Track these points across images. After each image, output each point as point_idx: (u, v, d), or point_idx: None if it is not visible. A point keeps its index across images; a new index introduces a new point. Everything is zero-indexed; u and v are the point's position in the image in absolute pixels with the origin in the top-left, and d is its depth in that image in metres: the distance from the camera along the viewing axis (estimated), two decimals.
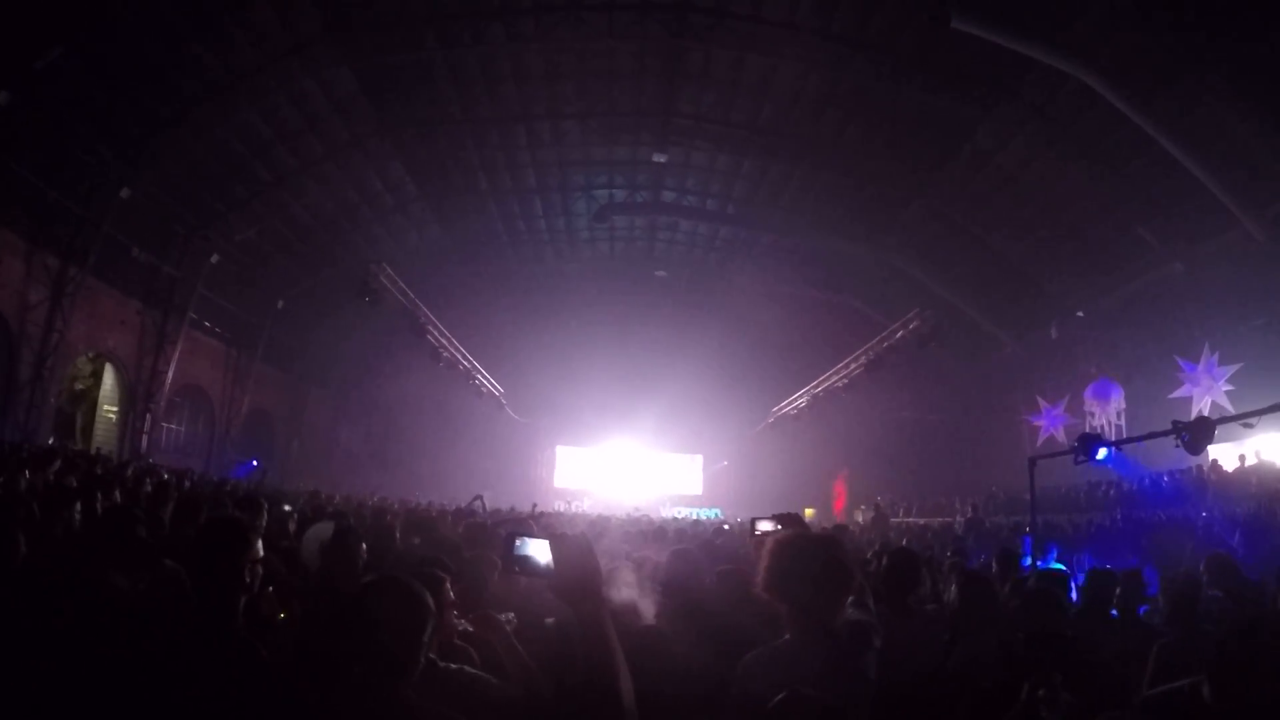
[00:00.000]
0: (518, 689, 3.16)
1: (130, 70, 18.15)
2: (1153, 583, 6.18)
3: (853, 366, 30.53)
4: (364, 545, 5.21)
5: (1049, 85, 18.90)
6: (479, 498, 14.02)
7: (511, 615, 3.74)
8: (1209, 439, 8.98)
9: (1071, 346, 26.70)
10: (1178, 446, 9.26)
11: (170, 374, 24.88)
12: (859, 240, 28.01)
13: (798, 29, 19.55)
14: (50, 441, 18.95)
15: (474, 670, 3.17)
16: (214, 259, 25.26)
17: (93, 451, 19.56)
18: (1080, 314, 25.74)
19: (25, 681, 2.69)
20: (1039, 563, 9.76)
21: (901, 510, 28.77)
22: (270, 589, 3.68)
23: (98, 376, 23.89)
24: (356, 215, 28.38)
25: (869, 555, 7.34)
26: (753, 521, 4.13)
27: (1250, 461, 19.46)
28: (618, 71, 22.52)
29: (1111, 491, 21.36)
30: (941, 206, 25.49)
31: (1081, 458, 10.94)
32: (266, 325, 30.14)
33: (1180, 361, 21.97)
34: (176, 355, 25.04)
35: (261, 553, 3.35)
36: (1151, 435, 10.38)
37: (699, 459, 42.91)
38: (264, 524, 6.69)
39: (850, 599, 3.26)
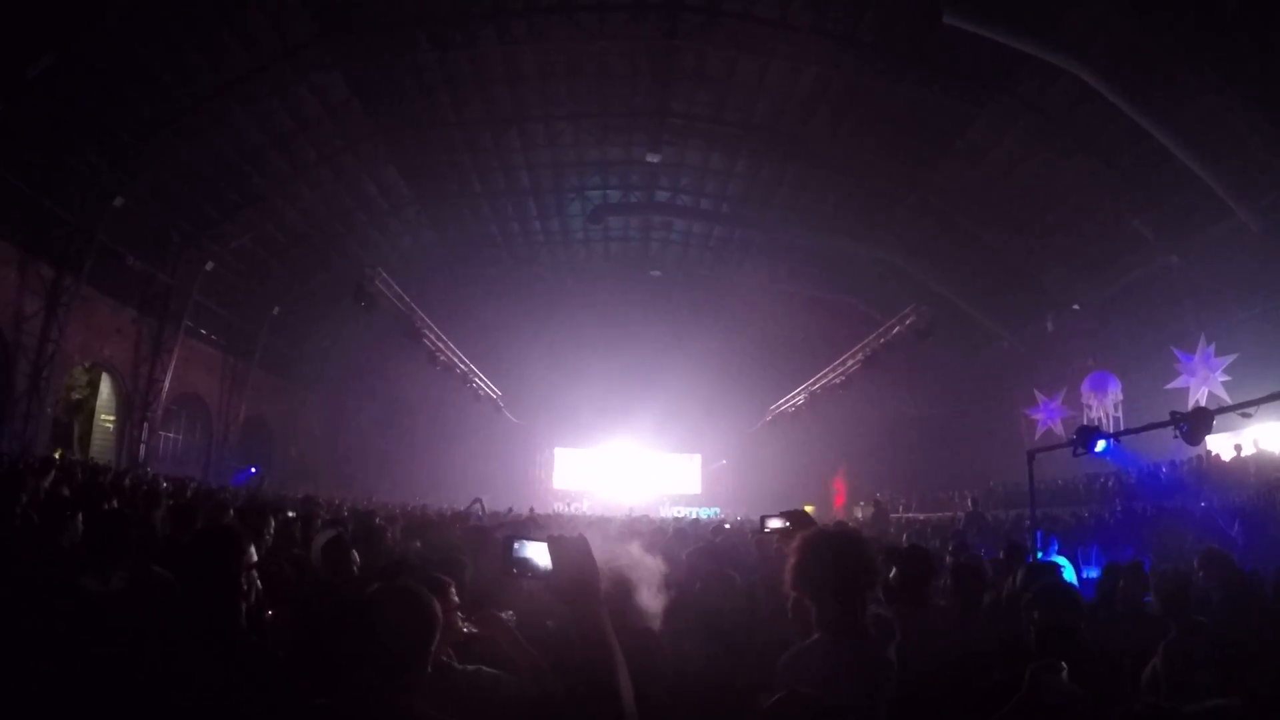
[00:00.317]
0: (535, 686, 3.16)
1: (122, 78, 18.15)
2: None
3: (850, 363, 30.54)
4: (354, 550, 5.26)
5: (1042, 80, 18.91)
6: (478, 501, 14.03)
7: (510, 613, 3.73)
8: (1207, 429, 8.96)
9: (1068, 339, 26.69)
10: (1176, 438, 9.25)
11: (167, 382, 24.83)
12: (854, 237, 28.03)
13: (790, 26, 19.55)
14: (58, 453, 18.96)
15: (492, 670, 3.17)
16: (209, 266, 25.25)
17: (88, 460, 19.55)
18: (1076, 307, 25.77)
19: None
20: (1040, 555, 9.75)
21: (901, 506, 28.80)
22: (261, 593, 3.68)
23: (94, 386, 23.86)
24: (351, 220, 28.37)
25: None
26: (761, 519, 4.15)
27: (1248, 451, 19.49)
28: (610, 72, 22.50)
29: (1110, 483, 21.38)
30: (936, 202, 25.52)
31: (1080, 450, 10.92)
32: (263, 332, 30.12)
33: (1177, 353, 22.00)
34: (173, 363, 24.99)
35: (255, 558, 3.33)
36: (1150, 427, 10.34)
37: (697, 458, 42.95)
38: (271, 532, 6.70)
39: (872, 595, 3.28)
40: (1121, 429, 19.85)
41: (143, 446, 23.97)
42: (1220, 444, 19.59)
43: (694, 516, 28.19)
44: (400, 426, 37.13)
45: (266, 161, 23.48)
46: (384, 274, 26.02)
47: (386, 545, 7.47)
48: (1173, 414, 9.16)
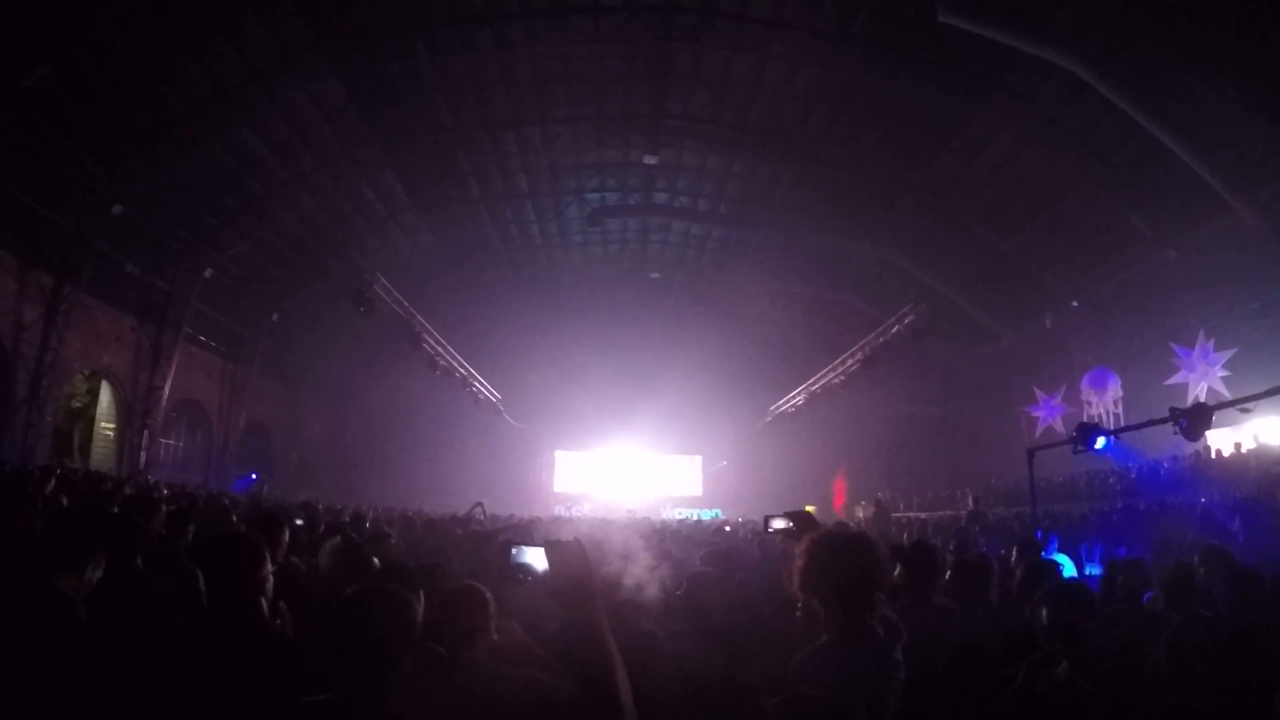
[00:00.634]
0: (570, 687, 3.19)
1: (118, 87, 18.20)
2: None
3: (849, 363, 30.55)
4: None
5: (1037, 76, 18.96)
6: (479, 505, 13.98)
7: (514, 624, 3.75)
8: (1207, 425, 9.01)
9: (1067, 336, 26.72)
10: (1175, 434, 9.28)
11: (167, 389, 24.82)
12: (852, 236, 28.07)
13: (785, 26, 19.59)
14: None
15: (533, 672, 3.18)
16: (207, 273, 25.26)
17: (88, 469, 19.54)
18: (1075, 303, 25.79)
19: None
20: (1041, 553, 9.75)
21: (902, 504, 28.78)
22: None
23: (94, 394, 23.86)
24: (349, 225, 28.39)
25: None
26: (765, 519, 4.16)
27: (1249, 446, 19.49)
28: (606, 74, 22.55)
29: (1111, 480, 21.38)
30: (933, 200, 25.55)
31: (1080, 447, 10.95)
32: (262, 338, 30.16)
33: (1176, 348, 22.01)
34: (173, 370, 24.98)
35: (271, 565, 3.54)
36: (1149, 423, 10.37)
37: (698, 459, 42.93)
38: (286, 540, 6.74)
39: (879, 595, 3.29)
40: (1122, 425, 19.84)
41: (143, 454, 23.94)
42: (1221, 439, 19.61)
43: (695, 518, 28.20)
44: (400, 431, 37.12)
45: (264, 168, 23.52)
46: (383, 279, 26.02)
47: (391, 550, 7.47)
48: (1172, 410, 9.20)
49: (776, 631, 3.41)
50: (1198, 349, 21.41)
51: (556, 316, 35.74)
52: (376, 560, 5.57)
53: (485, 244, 32.48)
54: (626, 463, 40.94)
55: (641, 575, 4.28)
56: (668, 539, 9.95)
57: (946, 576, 5.18)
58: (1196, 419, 9.08)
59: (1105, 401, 24.52)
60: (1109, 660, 3.43)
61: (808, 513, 4.00)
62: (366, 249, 29.43)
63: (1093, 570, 9.48)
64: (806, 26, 19.54)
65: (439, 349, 29.90)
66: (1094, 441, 10.87)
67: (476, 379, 33.42)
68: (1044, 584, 4.41)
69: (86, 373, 22.87)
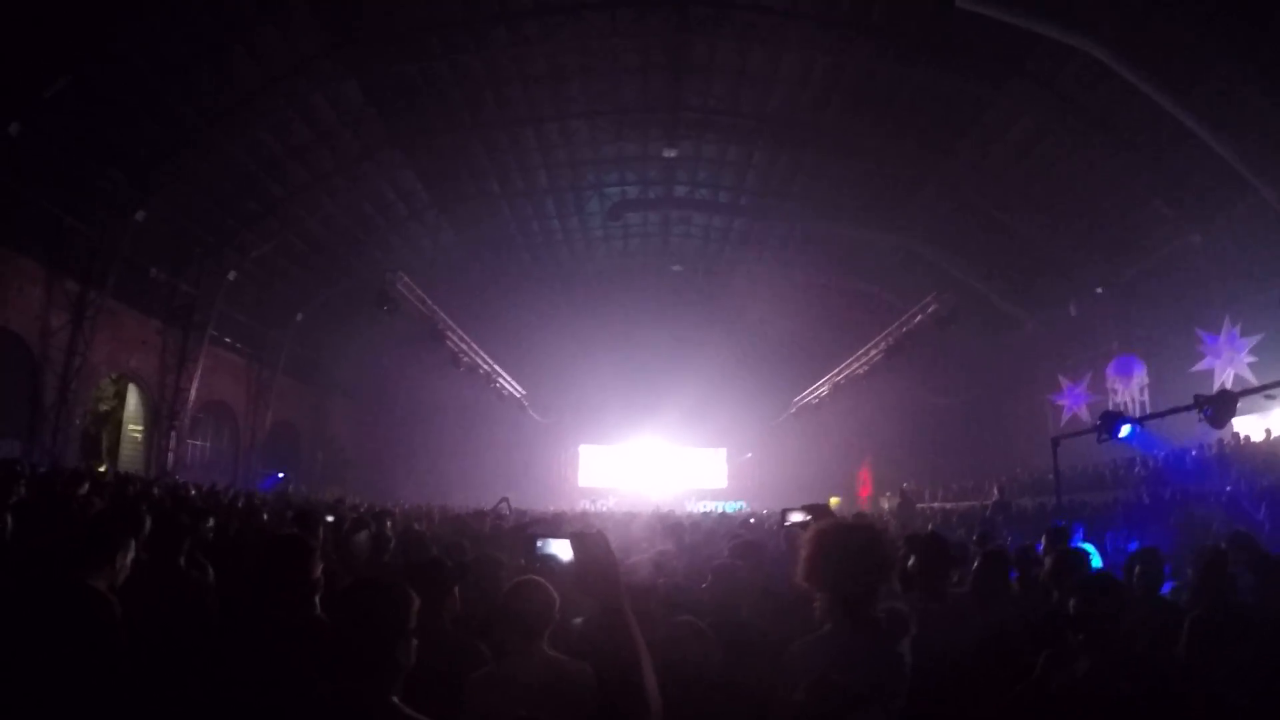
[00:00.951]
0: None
1: (138, 95, 18.35)
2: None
3: (873, 353, 30.50)
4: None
5: (1057, 60, 18.75)
6: (504, 500, 14.08)
7: None
8: (1231, 412, 8.95)
9: (1092, 323, 26.43)
10: (1200, 421, 9.22)
11: (193, 391, 25.08)
12: (873, 225, 27.89)
13: (801, 17, 19.52)
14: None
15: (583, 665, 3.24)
16: (231, 276, 25.46)
17: (114, 471, 19.78)
18: (1099, 290, 25.49)
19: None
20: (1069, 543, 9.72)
21: (928, 495, 28.68)
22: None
23: (121, 397, 24.13)
24: (370, 225, 28.54)
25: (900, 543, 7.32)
26: (783, 512, 4.19)
27: (1277, 432, 19.30)
28: (623, 68, 22.50)
29: (1136, 469, 21.23)
30: (955, 187, 25.34)
31: (1105, 436, 10.90)
32: (287, 338, 30.40)
33: (1202, 334, 21.82)
34: (198, 372, 25.24)
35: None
36: (1173, 410, 10.34)
37: (723, 452, 42.96)
38: (322, 537, 6.85)
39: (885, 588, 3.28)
40: (1147, 413, 19.70)
41: (171, 455, 24.21)
42: (1249, 426, 19.42)
43: (720, 511, 28.21)
44: (426, 428, 37.30)
45: (285, 171, 23.69)
46: (405, 278, 26.16)
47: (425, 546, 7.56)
48: (1196, 397, 9.14)
49: (801, 622, 3.42)
50: (1224, 335, 21.22)
51: (579, 311, 35.78)
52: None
53: (506, 240, 32.53)
54: (651, 456, 41.04)
55: (665, 566, 4.32)
56: (689, 532, 9.99)
57: (974, 567, 5.17)
58: (1221, 406, 9.01)
59: (1131, 389, 24.35)
60: (1130, 651, 3.42)
61: (826, 505, 4.02)
62: (388, 248, 29.56)
63: (1118, 559, 9.43)
64: (822, 15, 19.47)
65: (462, 346, 30.04)
66: (1119, 430, 10.82)
67: (500, 375, 33.56)
68: (1073, 574, 4.40)
69: (114, 376, 23.14)
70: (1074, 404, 27.01)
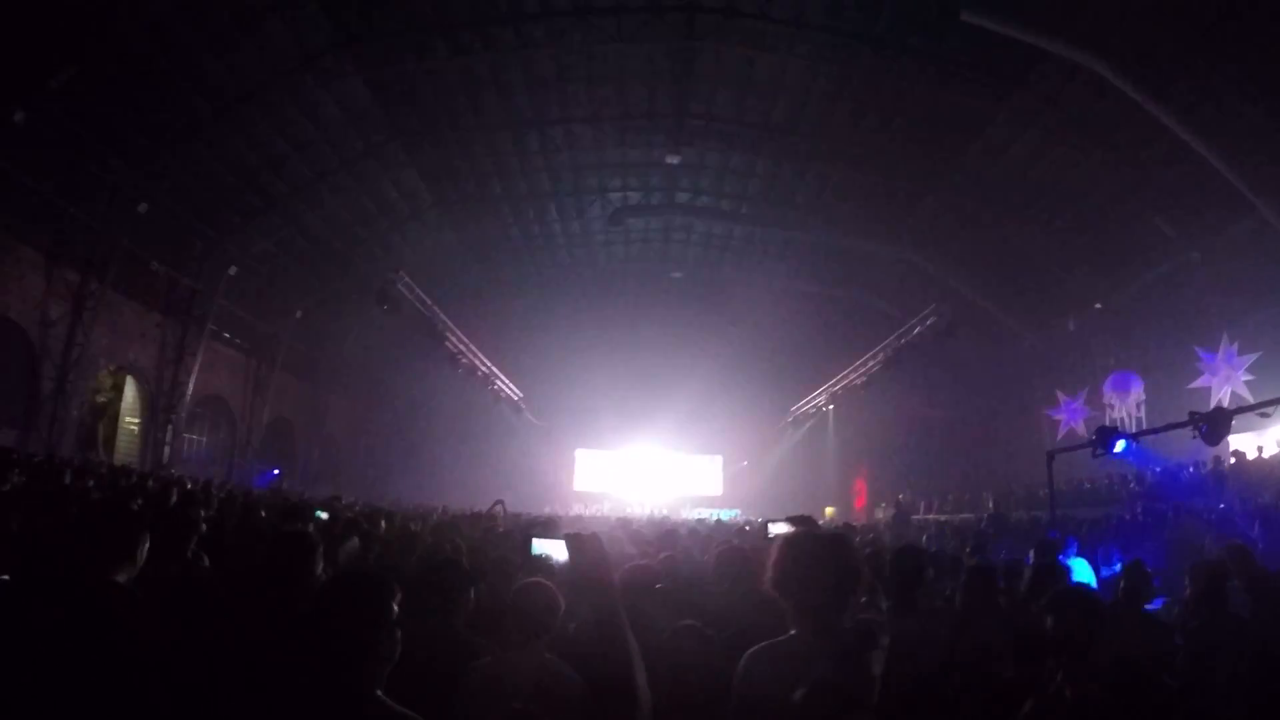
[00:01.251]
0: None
1: (143, 87, 18.35)
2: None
3: (871, 363, 30.50)
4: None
5: (1060, 76, 18.81)
6: (499, 502, 14.06)
7: None
8: (1226, 429, 8.98)
9: (1089, 338, 26.49)
10: (1195, 438, 9.25)
11: (191, 385, 25.07)
12: (874, 237, 27.91)
13: (807, 26, 19.57)
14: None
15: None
16: (232, 270, 25.48)
17: (110, 463, 19.79)
18: (1098, 306, 25.52)
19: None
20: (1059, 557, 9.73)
21: (923, 506, 28.69)
22: None
23: (119, 389, 24.11)
24: (372, 223, 28.53)
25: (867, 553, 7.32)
26: (764, 524, 4.19)
27: (1270, 451, 19.31)
28: (628, 74, 22.57)
29: (1131, 484, 21.23)
30: (956, 200, 25.38)
31: (1100, 451, 10.93)
32: (286, 335, 30.37)
33: (1199, 351, 21.84)
34: (197, 366, 25.24)
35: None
36: (1169, 427, 10.36)
37: (719, 459, 42.90)
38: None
39: (863, 599, 3.26)
40: (1143, 429, 19.71)
41: (167, 449, 24.19)
42: (1245, 444, 19.44)
43: (715, 519, 28.23)
44: (422, 428, 37.34)
45: (288, 167, 23.67)
46: (406, 277, 26.19)
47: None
48: (1192, 414, 9.18)
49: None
50: (1221, 352, 21.24)
51: (578, 315, 35.85)
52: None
53: (508, 242, 32.60)
54: (647, 462, 40.96)
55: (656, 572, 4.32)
56: (684, 538, 10.00)
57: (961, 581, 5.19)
58: (1216, 423, 9.05)
59: (1128, 405, 24.38)
60: (1112, 670, 3.40)
61: (809, 517, 4.02)
62: (390, 247, 29.58)
63: (1110, 575, 9.45)
64: (829, 26, 19.52)
65: (461, 347, 30.07)
66: (1114, 445, 10.85)
67: (498, 377, 33.58)
68: (1051, 588, 4.40)
69: (112, 368, 23.11)
70: (1070, 419, 27.04)
